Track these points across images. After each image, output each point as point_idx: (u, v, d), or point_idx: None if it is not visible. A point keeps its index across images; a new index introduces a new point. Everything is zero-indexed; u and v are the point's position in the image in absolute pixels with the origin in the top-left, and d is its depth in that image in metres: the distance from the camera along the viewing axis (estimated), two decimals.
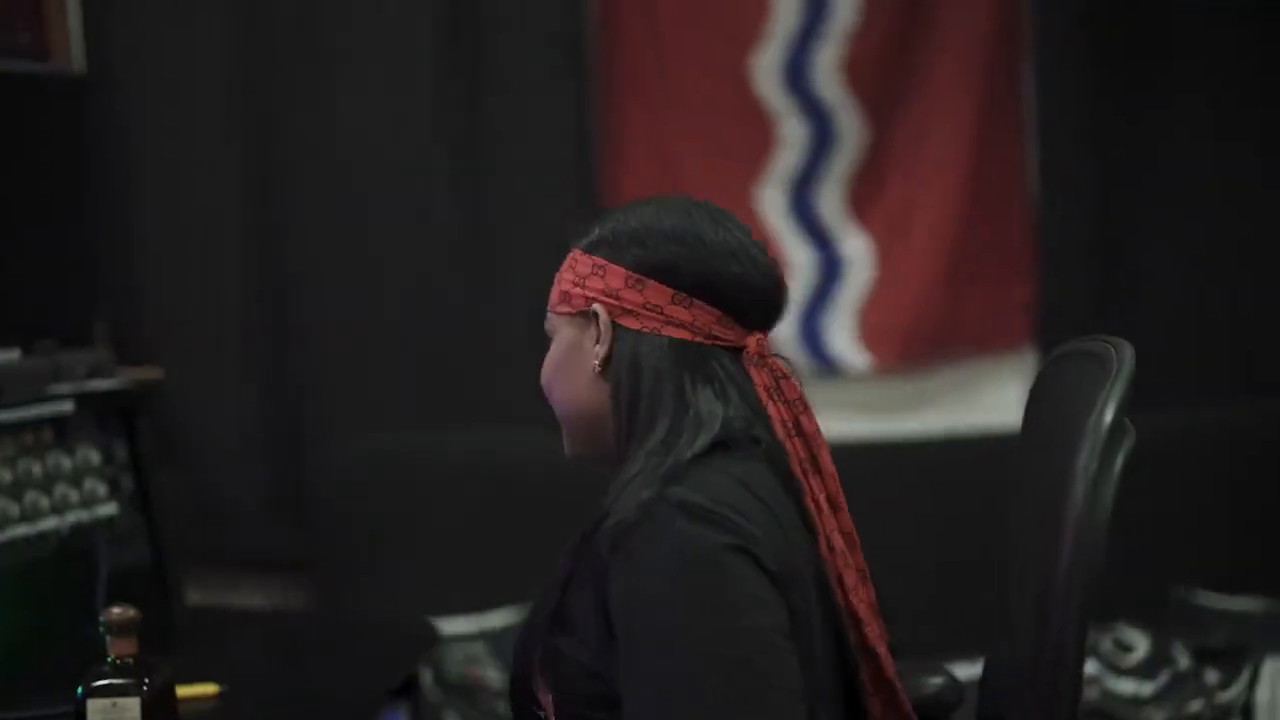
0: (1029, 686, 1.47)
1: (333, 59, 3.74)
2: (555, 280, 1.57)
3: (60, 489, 2.07)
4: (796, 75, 3.63)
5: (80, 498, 2.09)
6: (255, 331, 3.81)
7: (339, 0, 3.74)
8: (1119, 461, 1.40)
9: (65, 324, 2.20)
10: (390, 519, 3.70)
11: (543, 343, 1.61)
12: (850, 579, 1.44)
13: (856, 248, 3.70)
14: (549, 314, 1.57)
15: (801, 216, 3.69)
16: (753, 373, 1.48)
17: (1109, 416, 1.41)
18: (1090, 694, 3.25)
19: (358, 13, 3.74)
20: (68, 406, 2.09)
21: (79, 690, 1.60)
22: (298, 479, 3.80)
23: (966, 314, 3.71)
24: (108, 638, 1.60)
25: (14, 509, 1.99)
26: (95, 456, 2.15)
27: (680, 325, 1.47)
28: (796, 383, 1.50)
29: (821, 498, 1.45)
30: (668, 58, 3.69)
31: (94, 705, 1.59)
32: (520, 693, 1.49)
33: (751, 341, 1.49)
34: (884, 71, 3.65)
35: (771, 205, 3.69)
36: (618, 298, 1.49)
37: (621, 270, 1.49)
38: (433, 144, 3.72)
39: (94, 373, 2.18)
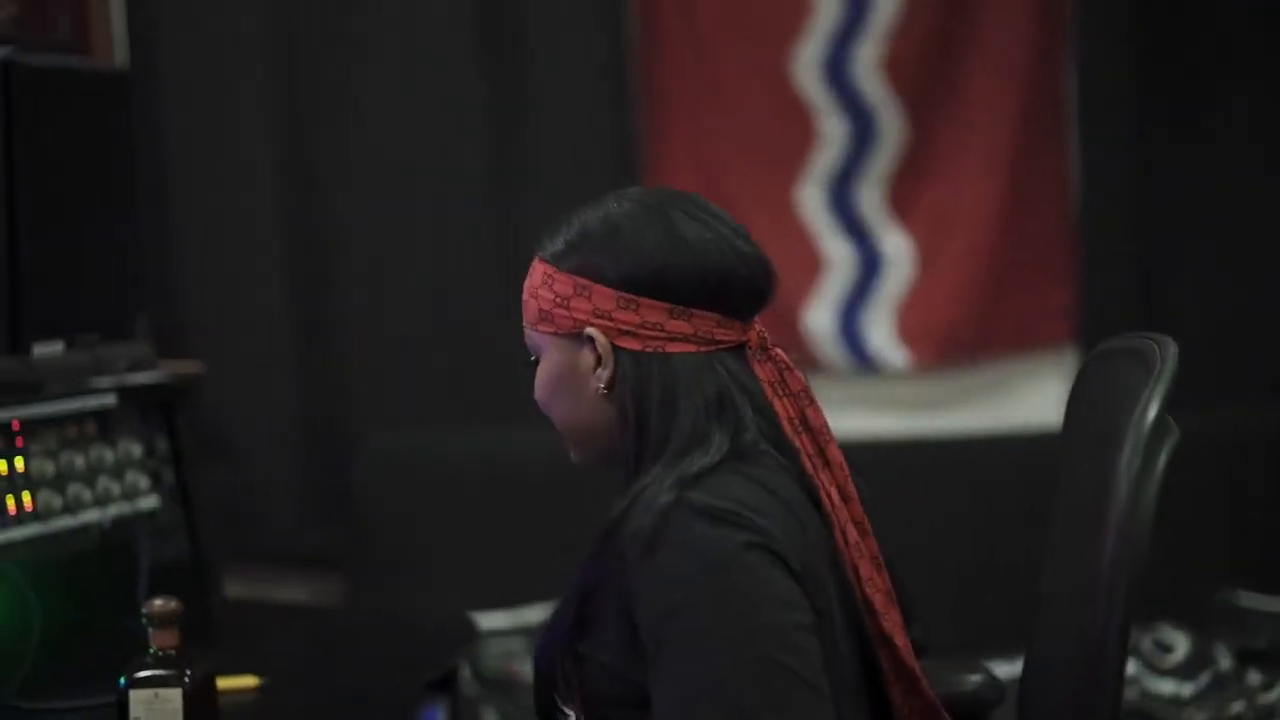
0: (1070, 685, 1.46)
1: (373, 61, 3.76)
2: (527, 293, 1.51)
3: (102, 482, 2.08)
4: (837, 72, 3.63)
5: (122, 490, 2.10)
6: (292, 328, 3.83)
7: (383, 3, 3.76)
8: (1162, 459, 1.40)
9: (107, 318, 2.20)
10: (427, 515, 3.71)
11: None
12: (865, 569, 1.43)
13: (896, 245, 3.69)
14: (528, 330, 1.52)
15: (841, 213, 3.68)
16: (756, 368, 1.45)
17: (1152, 414, 1.40)
18: (1130, 694, 3.23)
19: (399, 15, 3.75)
20: (110, 400, 2.10)
21: (121, 681, 1.61)
22: (335, 475, 3.81)
23: (1006, 314, 3.70)
24: (149, 629, 1.60)
25: (57, 501, 2.00)
26: (137, 450, 2.15)
27: (683, 339, 1.43)
28: (800, 374, 1.48)
29: (833, 491, 1.43)
30: (708, 55, 3.69)
31: (136, 696, 1.59)
32: (544, 699, 1.49)
33: (752, 335, 1.46)
34: (925, 71, 3.64)
35: (811, 202, 3.68)
36: (611, 319, 1.44)
37: (610, 291, 1.44)
38: (472, 146, 3.73)
39: (135, 366, 2.18)
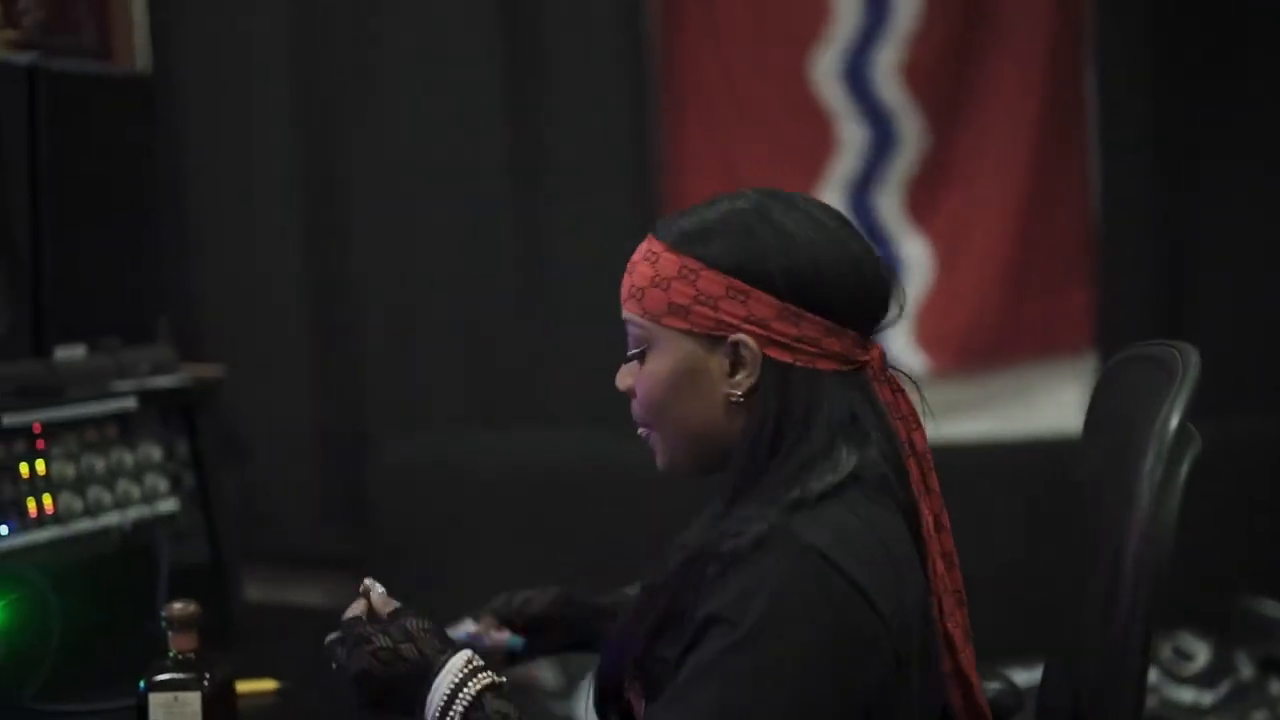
0: (1091, 693, 1.46)
1: (394, 63, 3.77)
2: (646, 280, 1.37)
3: (123, 485, 2.08)
4: (857, 78, 3.63)
5: (142, 494, 2.11)
6: (310, 331, 3.84)
7: (401, 4, 3.77)
8: (1184, 467, 1.39)
9: (128, 321, 2.21)
10: (444, 518, 3.72)
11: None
12: (948, 603, 1.38)
13: (915, 251, 3.68)
14: (641, 319, 1.38)
15: (860, 219, 3.68)
16: (876, 388, 1.38)
17: (1174, 421, 1.39)
18: (1150, 702, 3.22)
19: (420, 17, 3.76)
20: (131, 403, 2.11)
21: (141, 684, 1.61)
22: (351, 478, 3.82)
23: (1025, 319, 3.70)
24: (169, 633, 1.61)
25: (78, 504, 2.01)
26: (157, 453, 2.16)
27: (832, 356, 1.35)
28: (909, 397, 1.42)
29: (930, 520, 1.38)
30: (728, 60, 3.69)
31: (156, 699, 1.59)
32: (608, 701, 1.44)
33: (875, 354, 1.39)
34: (945, 76, 3.64)
35: None
36: (766, 328, 1.33)
37: (773, 300, 1.33)
38: (492, 147, 3.74)
39: (157, 370, 2.19)
